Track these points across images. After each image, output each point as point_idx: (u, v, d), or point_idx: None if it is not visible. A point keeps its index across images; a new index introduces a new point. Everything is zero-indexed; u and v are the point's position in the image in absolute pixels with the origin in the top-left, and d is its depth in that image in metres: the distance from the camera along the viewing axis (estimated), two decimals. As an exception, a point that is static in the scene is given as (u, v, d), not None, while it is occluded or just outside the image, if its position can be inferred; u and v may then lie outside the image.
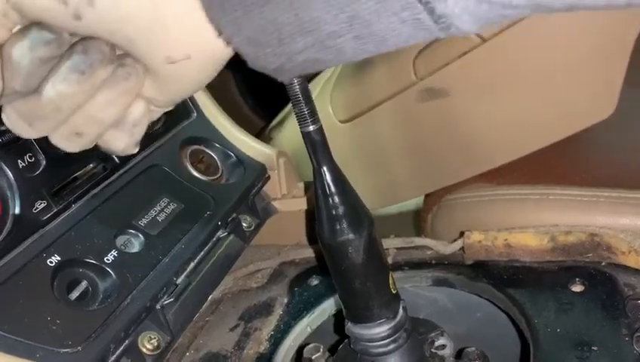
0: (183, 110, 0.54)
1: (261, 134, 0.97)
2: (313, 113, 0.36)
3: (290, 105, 0.91)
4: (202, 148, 0.53)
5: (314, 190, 0.38)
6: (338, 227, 0.37)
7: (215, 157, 0.53)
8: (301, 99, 0.36)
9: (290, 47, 0.25)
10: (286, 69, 0.26)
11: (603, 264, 0.46)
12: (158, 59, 0.28)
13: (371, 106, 0.69)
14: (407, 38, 0.24)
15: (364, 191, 0.72)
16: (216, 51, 0.27)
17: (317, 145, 0.36)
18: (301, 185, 0.58)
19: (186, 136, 0.52)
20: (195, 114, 0.54)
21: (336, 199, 0.37)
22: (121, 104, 0.29)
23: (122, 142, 0.31)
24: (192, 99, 0.55)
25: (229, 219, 0.48)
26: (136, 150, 0.32)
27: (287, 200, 0.56)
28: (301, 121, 0.36)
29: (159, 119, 0.51)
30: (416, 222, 0.74)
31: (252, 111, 1.39)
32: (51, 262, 0.37)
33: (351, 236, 0.37)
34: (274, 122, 0.93)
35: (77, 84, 0.27)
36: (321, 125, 0.37)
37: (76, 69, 0.27)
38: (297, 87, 0.35)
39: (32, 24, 0.26)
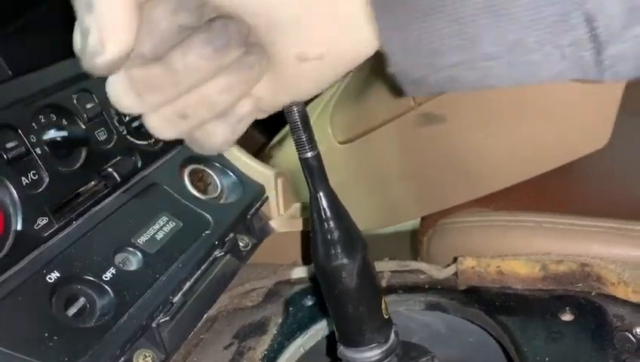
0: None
1: (262, 150, 0.98)
2: (311, 140, 0.37)
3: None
4: (202, 167, 0.54)
5: (310, 214, 0.38)
6: (332, 251, 0.38)
7: (214, 176, 0.54)
8: (300, 125, 0.37)
9: (441, 61, 0.25)
10: (426, 82, 0.26)
11: (593, 294, 0.46)
12: (290, 54, 0.27)
13: (370, 129, 0.70)
14: (558, 73, 0.23)
15: (362, 211, 0.73)
16: (355, 52, 0.27)
17: (314, 171, 0.37)
18: (298, 205, 0.59)
19: (186, 155, 0.53)
20: (197, 133, 0.55)
21: (332, 224, 0.38)
22: (238, 93, 0.28)
23: (222, 136, 0.29)
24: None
25: (227, 239, 0.49)
26: (231, 147, 0.31)
27: (285, 220, 0.56)
28: (299, 147, 0.37)
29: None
30: (413, 242, 0.74)
31: (253, 126, 1.40)
32: (50, 279, 0.38)
33: (345, 261, 0.38)
34: (274, 140, 0.94)
35: (207, 59, 0.26)
36: (319, 151, 0.38)
37: (211, 43, 0.26)
38: (296, 114, 0.36)
39: None
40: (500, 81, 0.25)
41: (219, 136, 0.29)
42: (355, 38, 0.27)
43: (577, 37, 0.22)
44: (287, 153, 0.84)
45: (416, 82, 0.26)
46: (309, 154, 0.37)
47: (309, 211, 0.38)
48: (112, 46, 0.24)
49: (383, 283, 0.55)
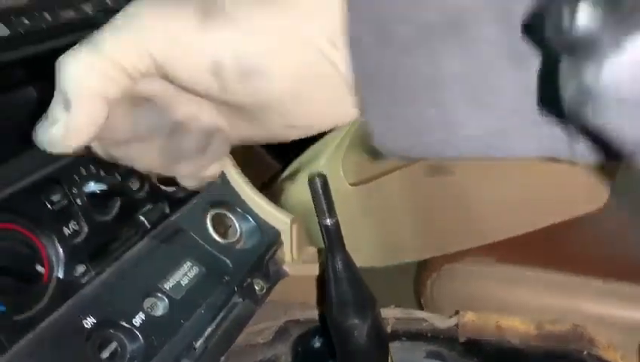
0: (208, 174, 0.58)
1: (275, 179, 1.02)
2: (331, 208, 0.41)
3: (303, 158, 0.95)
4: (224, 211, 0.58)
5: (326, 273, 0.42)
6: (345, 311, 0.41)
7: (235, 221, 0.57)
8: (321, 194, 0.40)
9: (424, 139, 0.27)
10: (408, 155, 0.28)
11: (585, 353, 0.50)
12: (278, 124, 0.29)
13: (381, 174, 0.74)
14: (529, 153, 0.26)
15: (369, 248, 0.77)
16: (343, 119, 0.30)
17: (332, 237, 0.41)
18: (310, 250, 0.62)
19: (210, 201, 0.56)
20: (220, 179, 0.59)
21: (345, 286, 0.41)
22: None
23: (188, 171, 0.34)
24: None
25: (245, 284, 0.52)
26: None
27: (298, 264, 0.60)
28: (320, 214, 0.40)
29: (186, 183, 0.55)
30: (417, 282, 0.78)
31: (266, 150, 1.44)
32: (87, 324, 0.41)
33: (356, 321, 0.41)
34: (287, 173, 0.98)
35: (161, 159, 0.31)
36: (337, 219, 0.41)
37: (166, 152, 0.31)
38: (318, 183, 0.40)
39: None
40: (478, 156, 0.27)
41: (184, 172, 0.33)
42: (343, 110, 0.29)
43: (555, 132, 0.24)
44: (299, 190, 0.88)
45: (398, 154, 0.29)
46: (329, 222, 0.40)
47: (325, 270, 0.42)
48: (71, 143, 0.28)
49: (388, 329, 0.58)
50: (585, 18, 0.16)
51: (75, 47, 0.28)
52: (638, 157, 0.17)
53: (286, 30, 0.26)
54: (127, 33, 0.27)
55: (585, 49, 0.16)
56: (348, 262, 0.41)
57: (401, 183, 0.72)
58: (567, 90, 0.17)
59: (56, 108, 0.28)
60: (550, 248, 0.66)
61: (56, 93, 0.28)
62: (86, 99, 0.27)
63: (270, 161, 1.42)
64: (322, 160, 0.83)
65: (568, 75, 0.17)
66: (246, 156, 0.64)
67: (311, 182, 0.39)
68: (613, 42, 0.16)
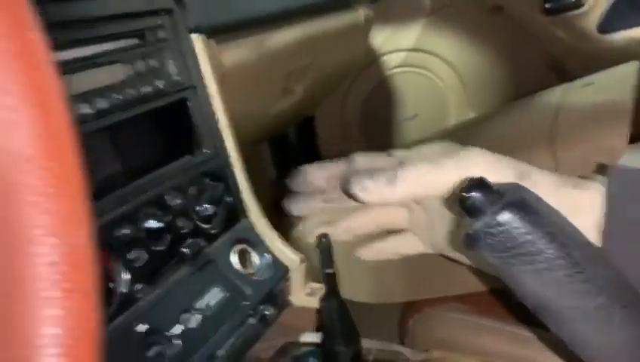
0: (236, 215, 0.72)
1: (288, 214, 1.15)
2: (331, 261, 0.54)
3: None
4: (246, 247, 0.71)
5: (323, 309, 0.55)
6: (335, 340, 0.54)
7: (255, 256, 0.71)
8: (326, 251, 0.54)
9: None
10: None
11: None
12: None
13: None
14: None
15: (362, 286, 0.89)
16: None
17: (331, 284, 0.54)
18: (313, 285, 0.75)
19: (236, 238, 0.70)
20: (245, 219, 0.72)
21: (336, 321, 0.54)
22: None
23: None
24: (243, 206, 0.73)
25: (258, 309, 0.65)
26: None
27: (301, 297, 0.73)
28: (323, 265, 0.54)
29: (219, 221, 0.69)
30: (402, 320, 0.90)
31: (282, 182, 1.58)
32: (139, 329, 0.54)
33: (342, 348, 0.54)
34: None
35: None
36: (336, 270, 0.54)
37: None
38: (324, 243, 0.53)
39: None
40: None
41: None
42: None
43: None
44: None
45: None
46: (329, 271, 0.53)
47: (323, 307, 0.55)
48: (373, 201, 0.46)
49: (370, 358, 0.70)
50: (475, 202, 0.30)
51: (416, 164, 0.45)
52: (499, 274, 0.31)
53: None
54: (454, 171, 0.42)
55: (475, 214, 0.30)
56: (340, 303, 0.54)
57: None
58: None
59: (381, 178, 0.44)
60: (511, 304, 0.78)
61: (382, 173, 0.45)
62: (401, 189, 0.44)
63: (284, 190, 1.56)
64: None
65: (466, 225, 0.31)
66: (265, 190, 0.77)
67: (319, 241, 0.53)
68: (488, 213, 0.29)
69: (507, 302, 0.79)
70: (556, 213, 0.33)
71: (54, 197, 0.22)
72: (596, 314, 0.31)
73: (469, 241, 0.32)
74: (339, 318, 0.53)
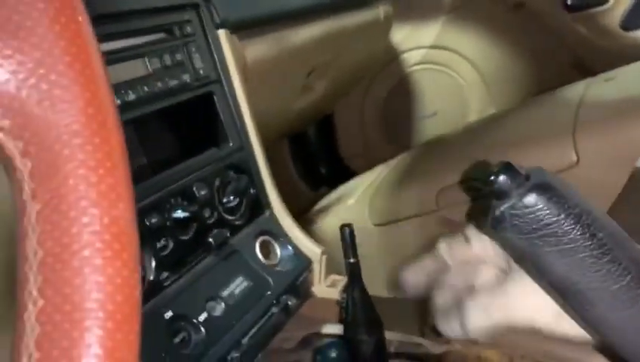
0: (260, 208, 0.73)
1: (308, 210, 1.16)
2: (354, 250, 0.55)
3: (333, 195, 1.10)
4: (269, 239, 0.72)
5: (346, 298, 0.56)
6: (357, 329, 0.55)
7: (277, 248, 0.72)
8: (348, 240, 0.54)
9: None
10: None
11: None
12: None
13: (400, 218, 0.87)
14: None
15: (384, 281, 0.90)
16: None
17: (353, 273, 0.55)
18: (334, 277, 0.76)
19: (260, 230, 0.71)
20: (268, 212, 0.74)
21: (359, 309, 0.55)
22: None
23: None
24: (266, 198, 0.74)
25: (281, 299, 0.66)
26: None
27: (323, 288, 0.74)
28: (345, 254, 0.55)
29: (243, 213, 0.70)
30: (423, 309, 0.90)
31: (301, 179, 1.59)
32: (166, 316, 0.56)
33: (365, 337, 0.55)
34: (319, 206, 1.12)
35: None
36: (358, 259, 0.55)
37: None
38: (347, 231, 0.54)
39: None
40: None
41: None
42: None
43: None
44: (330, 223, 1.02)
45: None
46: (352, 261, 0.54)
47: (346, 296, 0.56)
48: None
49: (392, 349, 0.71)
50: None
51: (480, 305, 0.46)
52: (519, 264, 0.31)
53: None
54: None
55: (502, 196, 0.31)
56: (363, 292, 0.55)
57: (416, 229, 0.85)
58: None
59: (455, 320, 0.46)
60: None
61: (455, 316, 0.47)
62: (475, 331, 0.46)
63: (305, 190, 1.58)
64: (351, 200, 0.97)
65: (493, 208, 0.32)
66: (284, 187, 0.78)
67: (342, 230, 0.53)
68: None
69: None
70: (581, 196, 0.34)
71: (97, 170, 0.23)
72: (621, 295, 0.31)
73: (495, 223, 0.32)
74: (361, 307, 0.54)
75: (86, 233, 0.22)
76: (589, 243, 0.31)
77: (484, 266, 0.48)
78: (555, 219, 0.31)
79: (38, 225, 0.22)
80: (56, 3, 0.23)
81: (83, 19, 0.24)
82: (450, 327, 0.47)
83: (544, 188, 0.32)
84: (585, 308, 0.33)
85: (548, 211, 0.31)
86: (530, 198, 0.31)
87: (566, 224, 0.31)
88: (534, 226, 0.31)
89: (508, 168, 0.32)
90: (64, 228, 0.22)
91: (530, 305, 0.42)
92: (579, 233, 0.31)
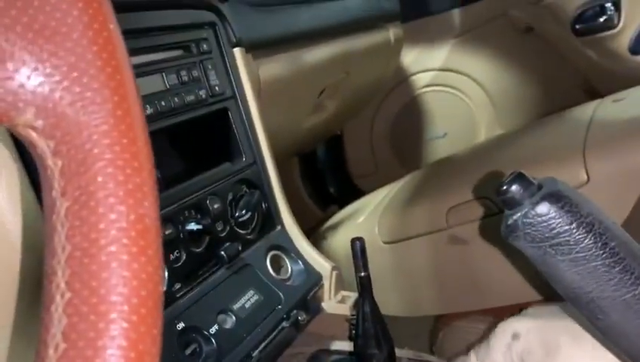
0: (271, 223, 0.74)
1: (318, 227, 1.17)
2: (365, 264, 0.55)
3: (343, 213, 1.10)
4: (280, 253, 0.72)
5: (357, 313, 0.56)
6: (368, 342, 0.55)
7: (288, 263, 0.72)
8: (359, 253, 0.55)
9: None
10: None
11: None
12: None
13: (410, 236, 0.87)
14: None
15: (395, 299, 0.90)
16: None
17: (364, 287, 0.55)
18: (344, 293, 0.76)
19: (271, 244, 0.71)
20: (280, 227, 0.74)
21: (370, 323, 0.55)
22: None
23: None
24: (278, 214, 0.75)
25: (291, 314, 0.66)
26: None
27: (333, 304, 0.74)
28: (356, 268, 0.55)
29: (255, 227, 0.71)
30: (432, 333, 0.90)
31: (310, 198, 1.60)
32: (178, 327, 0.56)
33: (375, 351, 0.55)
34: (329, 223, 1.13)
35: None
36: (369, 273, 0.55)
37: None
38: (358, 245, 0.55)
39: None
40: None
41: None
42: None
43: None
44: (340, 240, 1.02)
45: None
46: (362, 274, 0.54)
47: (357, 310, 0.56)
48: None
49: (402, 366, 0.71)
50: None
51: None
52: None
53: None
54: None
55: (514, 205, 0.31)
56: (374, 306, 0.55)
57: (426, 248, 0.85)
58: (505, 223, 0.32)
59: None
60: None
61: None
62: None
63: (315, 209, 1.58)
64: (361, 217, 0.98)
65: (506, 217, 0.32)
66: (294, 205, 0.79)
67: (353, 243, 0.54)
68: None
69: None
70: (593, 205, 0.34)
71: (125, 170, 0.24)
72: (633, 304, 0.32)
73: (508, 232, 0.33)
74: (372, 321, 0.54)
75: (113, 229, 0.23)
76: (601, 251, 0.32)
77: None
78: (567, 227, 0.31)
79: (67, 220, 0.23)
80: (89, 10, 0.24)
81: (114, 27, 0.26)
82: None
83: (556, 197, 0.32)
84: (598, 316, 0.33)
85: (560, 220, 0.31)
86: (543, 207, 0.32)
87: (578, 232, 0.31)
88: (547, 235, 0.31)
89: (520, 177, 0.33)
90: (92, 223, 0.23)
91: None
92: (591, 241, 0.32)
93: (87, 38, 0.24)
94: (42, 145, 0.24)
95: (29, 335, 0.33)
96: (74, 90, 0.24)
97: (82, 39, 0.24)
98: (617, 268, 0.32)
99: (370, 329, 0.54)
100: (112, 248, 0.23)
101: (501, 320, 0.76)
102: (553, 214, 0.31)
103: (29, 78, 0.23)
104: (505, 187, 0.33)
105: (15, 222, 0.41)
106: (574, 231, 0.31)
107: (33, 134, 0.24)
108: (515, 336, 0.49)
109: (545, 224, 0.31)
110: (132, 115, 0.25)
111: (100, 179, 0.23)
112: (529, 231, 0.31)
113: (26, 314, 0.35)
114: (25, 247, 0.39)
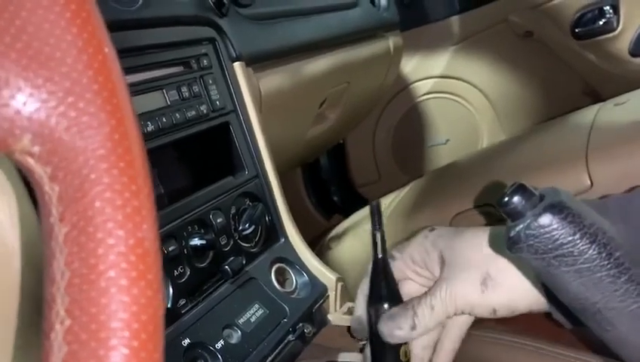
0: (275, 235, 0.74)
1: (322, 237, 1.16)
2: (381, 222, 0.55)
3: (347, 223, 1.10)
4: (285, 266, 0.72)
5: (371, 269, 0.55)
6: (378, 303, 0.54)
7: (292, 275, 0.72)
8: (376, 213, 0.54)
9: None
10: None
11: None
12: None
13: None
14: None
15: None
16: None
17: (380, 243, 0.54)
18: (350, 304, 0.76)
19: (275, 257, 0.71)
20: (283, 239, 0.74)
21: (383, 284, 0.54)
22: None
23: None
24: (281, 226, 0.75)
25: (297, 327, 0.66)
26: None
27: (339, 315, 0.73)
28: (373, 226, 0.54)
29: (259, 240, 0.71)
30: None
31: (314, 207, 1.60)
32: (184, 343, 0.56)
33: (386, 305, 0.54)
34: (333, 233, 1.12)
35: None
36: (384, 230, 0.55)
37: None
38: (375, 205, 0.54)
39: None
40: None
41: None
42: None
43: None
44: (345, 249, 1.02)
45: None
46: (377, 232, 0.54)
47: (372, 267, 0.55)
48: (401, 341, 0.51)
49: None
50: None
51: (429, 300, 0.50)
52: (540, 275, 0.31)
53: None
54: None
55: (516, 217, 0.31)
56: (386, 264, 0.54)
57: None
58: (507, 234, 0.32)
59: (405, 324, 0.49)
60: (548, 323, 0.77)
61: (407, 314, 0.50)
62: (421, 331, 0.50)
63: (319, 219, 1.58)
64: (366, 226, 0.97)
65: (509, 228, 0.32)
66: (297, 215, 0.79)
67: (371, 204, 0.54)
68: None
69: (542, 322, 0.78)
70: (596, 215, 0.34)
71: (123, 194, 0.24)
72: (640, 315, 0.31)
73: (511, 244, 0.33)
74: (384, 279, 0.53)
75: (112, 254, 0.23)
76: (606, 262, 0.31)
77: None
78: (570, 238, 0.31)
79: (65, 246, 0.23)
80: (83, 34, 0.24)
81: (109, 50, 0.26)
82: (400, 333, 0.50)
83: (559, 208, 0.32)
84: (605, 328, 0.33)
85: (563, 231, 0.31)
86: (545, 218, 0.32)
87: (582, 243, 0.31)
88: (550, 246, 0.31)
89: (521, 189, 0.33)
90: (91, 249, 0.23)
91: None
92: (595, 252, 0.31)
93: (83, 63, 0.24)
94: (39, 172, 0.24)
95: (29, 358, 0.33)
96: (70, 115, 0.24)
97: (77, 64, 0.24)
98: (623, 279, 0.32)
99: (382, 287, 0.54)
100: (111, 273, 0.23)
101: (510, 331, 0.75)
102: (556, 225, 0.31)
103: (25, 104, 0.23)
104: (506, 199, 0.32)
105: (16, 242, 0.41)
106: (578, 241, 0.31)
107: (30, 160, 0.24)
108: (432, 228, 0.53)
109: (548, 235, 0.31)
110: (129, 138, 0.25)
111: (97, 204, 0.23)
112: (532, 242, 0.31)
113: (27, 335, 0.34)
114: (26, 268, 0.39)
